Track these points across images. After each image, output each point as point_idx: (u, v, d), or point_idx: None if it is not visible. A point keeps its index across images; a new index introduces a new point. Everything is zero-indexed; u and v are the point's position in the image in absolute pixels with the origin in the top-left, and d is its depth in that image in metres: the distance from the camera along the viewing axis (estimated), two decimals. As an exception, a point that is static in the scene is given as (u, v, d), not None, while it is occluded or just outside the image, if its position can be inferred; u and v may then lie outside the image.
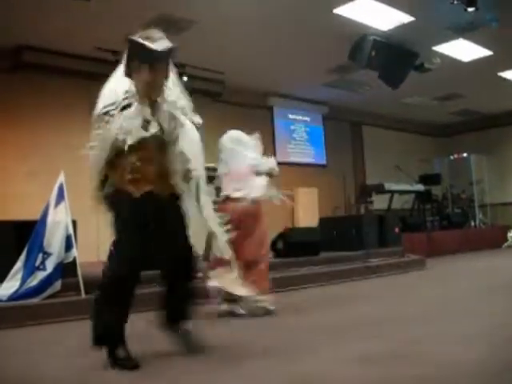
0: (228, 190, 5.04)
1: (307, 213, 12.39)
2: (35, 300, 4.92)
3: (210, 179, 7.58)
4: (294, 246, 7.85)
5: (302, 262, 7.66)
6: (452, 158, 16.61)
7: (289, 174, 12.77)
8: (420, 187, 12.43)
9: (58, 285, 5.12)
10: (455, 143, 17.13)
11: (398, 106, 14.43)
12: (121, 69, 3.22)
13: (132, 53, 3.18)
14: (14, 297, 4.87)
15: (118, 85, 3.17)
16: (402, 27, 8.94)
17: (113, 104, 3.07)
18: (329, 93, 12.93)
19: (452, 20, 8.70)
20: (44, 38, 8.55)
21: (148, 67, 3.14)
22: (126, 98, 3.09)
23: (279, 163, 13.19)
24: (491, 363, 2.86)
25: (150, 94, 3.16)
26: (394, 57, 9.62)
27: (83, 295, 5.18)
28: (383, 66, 9.72)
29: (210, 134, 11.42)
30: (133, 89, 3.14)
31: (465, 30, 9.22)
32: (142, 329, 3.79)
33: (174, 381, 2.85)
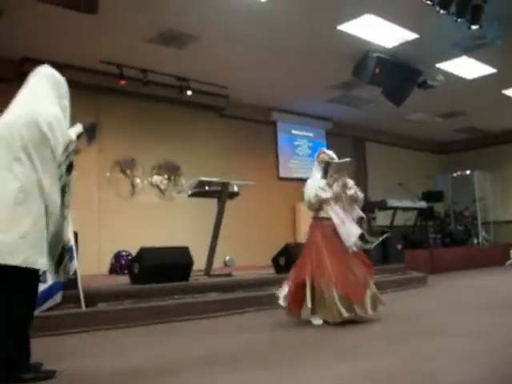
0: None
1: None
2: (35, 312, 4.90)
3: (213, 193, 7.65)
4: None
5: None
6: (455, 175, 16.62)
7: (291, 189, 12.79)
8: (423, 204, 12.42)
9: (58, 297, 5.10)
10: (458, 160, 17.12)
11: (401, 123, 14.46)
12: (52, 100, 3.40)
13: (90, 129, 3.67)
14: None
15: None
16: (406, 44, 8.98)
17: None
18: (332, 108, 12.97)
19: (456, 37, 8.73)
20: (49, 50, 8.60)
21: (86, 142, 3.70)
22: None
23: (281, 178, 13.39)
24: (493, 382, 2.83)
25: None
26: (398, 74, 9.66)
27: (83, 308, 5.17)
28: (387, 83, 9.76)
29: (215, 148, 11.67)
30: None
31: (468, 48, 9.25)
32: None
33: None
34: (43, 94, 3.38)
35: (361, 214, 5.32)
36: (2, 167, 3.08)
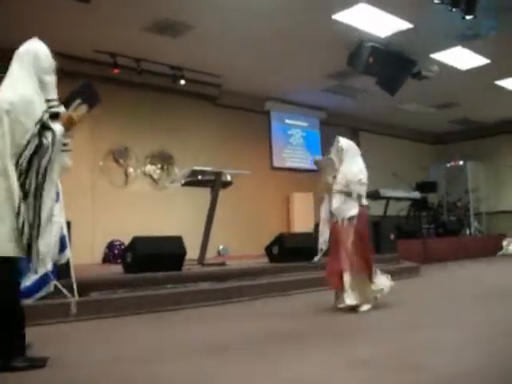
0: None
1: (303, 218, 12.40)
2: (29, 301, 4.89)
3: (206, 182, 7.64)
4: (290, 251, 7.83)
5: (297, 267, 7.65)
6: (448, 165, 16.65)
7: (285, 179, 12.81)
8: (416, 194, 12.45)
9: (51, 286, 5.09)
10: (452, 151, 17.14)
11: (395, 113, 14.46)
12: (28, 82, 3.28)
13: (83, 92, 3.57)
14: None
15: (37, 99, 3.23)
16: (400, 34, 8.96)
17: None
18: (327, 98, 12.96)
19: (450, 28, 8.71)
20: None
21: (87, 108, 3.48)
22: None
23: (275, 168, 13.36)
24: (489, 373, 2.85)
25: (70, 129, 3.37)
26: (392, 64, 9.65)
27: (76, 297, 5.17)
28: (381, 73, 9.74)
29: (208, 137, 11.64)
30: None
31: (463, 38, 9.23)
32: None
33: None
34: (13, 77, 3.33)
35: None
36: None
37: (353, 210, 5.27)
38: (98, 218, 9.69)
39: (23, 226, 3.04)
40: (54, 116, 3.22)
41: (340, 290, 5.07)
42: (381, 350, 3.43)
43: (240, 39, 9.05)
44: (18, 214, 3.03)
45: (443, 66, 10.43)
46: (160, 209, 10.40)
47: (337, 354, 3.37)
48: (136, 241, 6.46)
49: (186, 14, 8.11)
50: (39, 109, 3.18)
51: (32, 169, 3.09)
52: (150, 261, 6.30)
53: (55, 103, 3.28)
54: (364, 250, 5.15)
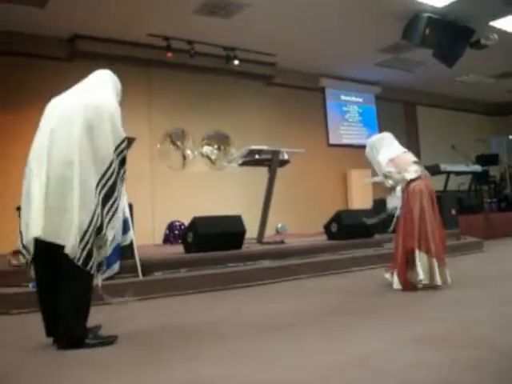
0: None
1: (361, 195, 12.31)
2: (96, 281, 5.06)
3: (264, 161, 7.65)
4: (348, 228, 7.80)
5: (356, 244, 7.63)
6: (511, 137, 16.11)
7: (342, 156, 12.71)
8: (477, 168, 12.10)
9: (116, 266, 5.24)
10: (513, 122, 16.60)
11: (453, 85, 14.08)
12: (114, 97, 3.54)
13: None
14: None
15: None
16: (458, 3, 8.66)
17: None
18: (382, 73, 12.73)
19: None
20: (97, 26, 8.71)
21: None
22: None
23: (332, 145, 13.27)
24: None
25: None
26: (449, 34, 9.36)
27: (141, 276, 5.32)
28: (438, 44, 9.46)
29: (263, 116, 11.66)
30: None
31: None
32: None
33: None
34: (106, 86, 3.54)
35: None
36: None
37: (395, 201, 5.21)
38: (158, 200, 9.89)
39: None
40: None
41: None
42: (445, 327, 3.39)
43: (292, 16, 8.96)
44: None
45: (503, 34, 10.05)
46: (218, 189, 10.52)
47: (402, 330, 3.36)
48: (196, 221, 6.56)
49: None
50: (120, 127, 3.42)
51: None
52: (211, 240, 6.40)
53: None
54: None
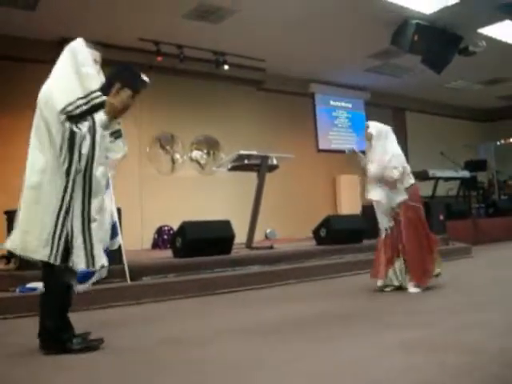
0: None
1: (350, 200, 12.35)
2: (83, 286, 5.02)
3: (253, 166, 7.65)
4: (337, 233, 7.81)
5: (345, 250, 7.63)
6: (499, 143, 16.23)
7: (331, 161, 12.73)
8: (465, 173, 12.17)
9: (104, 271, 5.21)
10: (501, 128, 16.70)
11: (442, 91, 14.17)
12: (66, 71, 3.34)
13: (122, 76, 3.32)
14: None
15: (73, 87, 3.24)
16: (446, 10, 8.73)
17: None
18: (371, 78, 12.79)
19: (498, 1, 8.45)
20: (87, 30, 8.67)
21: (131, 93, 3.27)
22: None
23: (321, 150, 13.29)
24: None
25: (117, 116, 3.26)
26: (438, 40, 9.42)
27: (129, 281, 5.29)
28: (426, 51, 9.53)
29: (253, 121, 11.65)
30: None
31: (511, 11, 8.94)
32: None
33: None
34: (56, 71, 3.39)
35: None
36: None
37: (399, 196, 5.20)
38: (147, 204, 9.85)
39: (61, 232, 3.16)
40: (97, 106, 3.19)
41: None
42: (434, 332, 3.39)
43: (282, 22, 8.99)
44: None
45: (491, 41, 10.14)
46: (207, 194, 10.49)
47: (390, 335, 3.35)
48: (185, 225, 6.53)
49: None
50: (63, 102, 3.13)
51: (73, 157, 3.08)
52: (200, 245, 6.38)
53: (97, 93, 3.21)
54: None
